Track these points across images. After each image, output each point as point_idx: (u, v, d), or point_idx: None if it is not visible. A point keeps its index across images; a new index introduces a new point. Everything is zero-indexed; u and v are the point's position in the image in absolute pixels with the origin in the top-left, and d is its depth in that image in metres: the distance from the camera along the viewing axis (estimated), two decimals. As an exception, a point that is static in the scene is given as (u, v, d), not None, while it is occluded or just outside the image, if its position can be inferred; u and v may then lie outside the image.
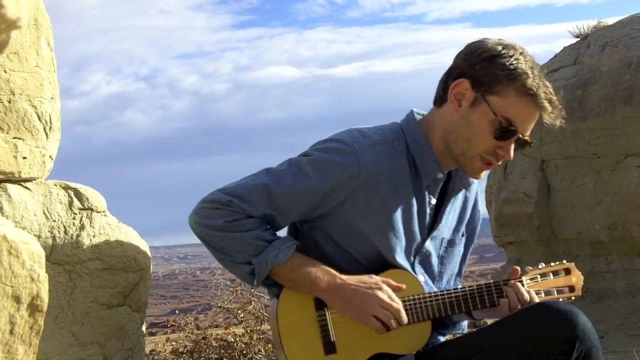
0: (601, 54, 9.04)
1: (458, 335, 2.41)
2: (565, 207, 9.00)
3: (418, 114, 2.34)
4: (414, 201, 2.27)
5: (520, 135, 2.20)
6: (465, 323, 2.50)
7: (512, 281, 2.27)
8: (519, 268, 2.32)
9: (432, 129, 2.28)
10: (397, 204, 2.24)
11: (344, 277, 2.18)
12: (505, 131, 2.18)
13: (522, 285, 2.28)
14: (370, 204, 2.21)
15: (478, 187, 2.49)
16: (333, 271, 2.19)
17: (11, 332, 1.76)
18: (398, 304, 2.16)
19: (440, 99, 2.28)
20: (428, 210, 2.30)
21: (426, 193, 2.29)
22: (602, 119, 8.59)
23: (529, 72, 2.17)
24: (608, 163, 8.60)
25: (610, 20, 9.87)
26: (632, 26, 9.12)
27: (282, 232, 2.33)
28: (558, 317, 2.09)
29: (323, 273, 2.18)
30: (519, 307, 2.24)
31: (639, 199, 8.31)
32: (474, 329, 2.33)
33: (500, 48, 2.20)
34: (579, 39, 9.86)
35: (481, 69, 2.18)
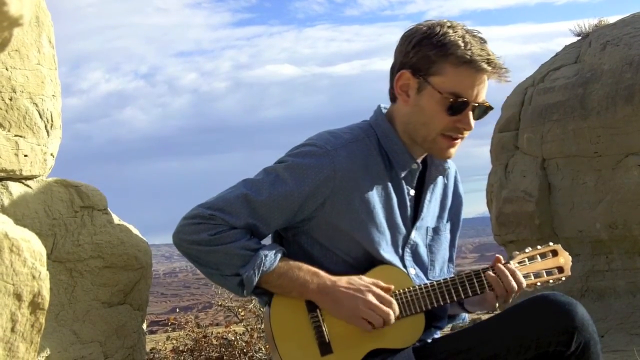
0: (602, 53, 9.03)
1: (458, 328, 2.42)
2: (566, 206, 9.00)
3: (385, 108, 2.38)
4: (393, 194, 2.29)
5: (475, 104, 2.22)
6: (466, 314, 2.50)
7: (498, 265, 2.27)
8: (500, 256, 2.32)
9: (395, 123, 2.32)
10: (377, 199, 2.26)
11: (333, 278, 2.19)
12: (456, 105, 2.20)
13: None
14: (350, 202, 2.22)
15: (457, 172, 2.50)
16: (322, 272, 2.19)
17: (12, 329, 1.76)
18: (388, 303, 2.17)
19: (391, 95, 2.33)
20: (408, 202, 2.32)
21: (404, 184, 2.31)
22: (603, 117, 8.59)
23: (459, 41, 2.18)
24: (609, 162, 8.60)
25: (612, 19, 9.87)
26: (633, 25, 9.12)
27: (267, 241, 2.33)
28: (556, 308, 2.10)
29: (311, 275, 2.18)
30: (506, 293, 2.24)
31: (639, 198, 8.31)
32: (472, 324, 2.34)
33: (426, 29, 2.23)
34: (580, 37, 9.86)
35: (414, 55, 2.22)
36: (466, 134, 2.27)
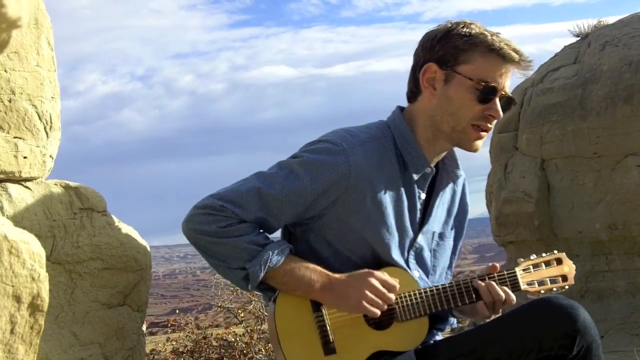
0: (601, 53, 9.03)
1: (458, 332, 2.42)
2: (565, 207, 9.00)
3: (404, 109, 2.37)
4: (404, 197, 2.29)
5: (503, 93, 2.24)
6: (454, 320, 2.51)
7: (487, 280, 2.26)
8: (497, 265, 2.33)
9: (414, 122, 2.32)
10: (388, 200, 2.25)
11: (336, 275, 2.19)
12: (486, 92, 2.22)
13: (516, 277, 2.29)
14: (362, 202, 2.22)
15: (466, 180, 2.51)
16: (326, 271, 2.20)
17: (12, 331, 1.76)
18: (392, 287, 2.17)
19: (413, 94, 2.33)
20: (418, 205, 2.32)
21: (415, 188, 2.31)
22: (602, 118, 8.59)
23: (485, 32, 2.24)
24: (608, 162, 8.60)
25: (611, 20, 9.88)
26: (633, 25, 9.12)
27: (276, 236, 2.33)
28: (559, 311, 2.09)
29: (317, 275, 2.18)
30: (495, 306, 2.24)
31: (639, 199, 8.31)
32: (474, 326, 2.34)
33: (449, 25, 2.27)
34: (579, 38, 9.86)
35: (441, 48, 2.24)
36: (493, 123, 2.28)
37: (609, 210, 8.52)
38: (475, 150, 2.31)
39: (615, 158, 8.54)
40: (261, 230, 2.23)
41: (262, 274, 2.16)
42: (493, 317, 2.28)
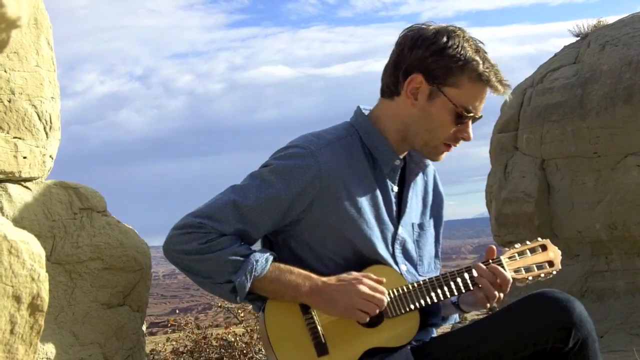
0: (601, 53, 9.03)
1: (454, 328, 2.43)
2: (565, 207, 9.00)
3: (365, 109, 2.41)
4: (378, 191, 2.31)
5: (477, 116, 2.29)
6: (456, 315, 2.52)
7: (481, 267, 2.27)
8: (494, 247, 2.35)
9: (385, 120, 2.34)
10: (363, 197, 2.28)
11: (324, 279, 2.20)
12: (464, 117, 2.26)
13: (502, 265, 2.30)
14: (338, 201, 2.24)
15: (435, 170, 2.54)
16: (313, 275, 2.21)
17: (12, 331, 1.76)
18: (380, 291, 2.18)
19: (390, 91, 2.34)
20: (393, 198, 2.35)
21: (387, 181, 2.34)
22: (602, 118, 8.59)
23: (478, 58, 2.24)
24: (608, 162, 8.60)
25: (610, 19, 9.88)
26: (632, 25, 9.12)
27: (257, 247, 2.33)
28: (554, 305, 2.11)
29: (303, 279, 2.19)
30: (495, 292, 2.25)
31: (639, 198, 8.31)
32: (471, 322, 2.34)
33: (445, 39, 2.25)
34: (579, 38, 9.87)
35: (433, 62, 2.24)
36: (461, 143, 2.33)
37: (609, 210, 8.52)
38: (439, 161, 2.38)
39: (615, 158, 8.54)
40: (242, 242, 2.23)
41: (248, 284, 2.17)
42: (493, 305, 2.30)
